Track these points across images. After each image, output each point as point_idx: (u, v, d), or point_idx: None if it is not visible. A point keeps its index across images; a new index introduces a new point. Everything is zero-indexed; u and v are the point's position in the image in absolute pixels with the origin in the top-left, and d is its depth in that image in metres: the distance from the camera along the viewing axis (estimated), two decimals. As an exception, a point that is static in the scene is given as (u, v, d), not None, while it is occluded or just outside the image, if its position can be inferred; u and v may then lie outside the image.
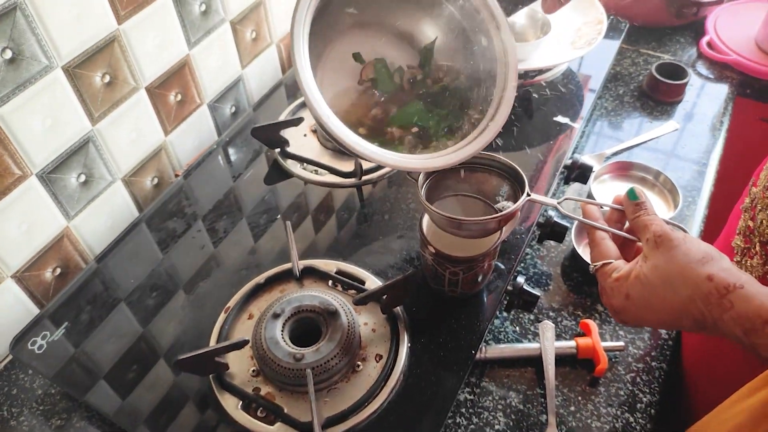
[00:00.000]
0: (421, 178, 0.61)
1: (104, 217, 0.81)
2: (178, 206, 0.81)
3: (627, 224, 0.55)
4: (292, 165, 0.84)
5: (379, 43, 0.60)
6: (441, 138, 0.62)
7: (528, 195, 0.58)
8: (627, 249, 0.55)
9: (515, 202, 0.61)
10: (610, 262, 0.52)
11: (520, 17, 0.94)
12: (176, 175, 0.89)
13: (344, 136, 0.52)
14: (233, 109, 0.99)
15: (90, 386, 0.64)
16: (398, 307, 0.66)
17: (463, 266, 0.61)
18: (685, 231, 0.53)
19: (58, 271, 0.77)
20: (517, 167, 0.61)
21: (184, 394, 0.62)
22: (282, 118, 0.92)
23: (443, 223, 0.59)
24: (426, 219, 0.64)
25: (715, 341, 0.70)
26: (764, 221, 0.59)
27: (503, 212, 0.57)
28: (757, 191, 0.61)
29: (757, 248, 0.59)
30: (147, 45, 0.78)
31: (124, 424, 0.61)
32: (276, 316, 0.63)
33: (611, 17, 1.08)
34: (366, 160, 0.54)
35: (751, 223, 0.61)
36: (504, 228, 0.65)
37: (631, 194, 0.53)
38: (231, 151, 0.90)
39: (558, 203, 0.57)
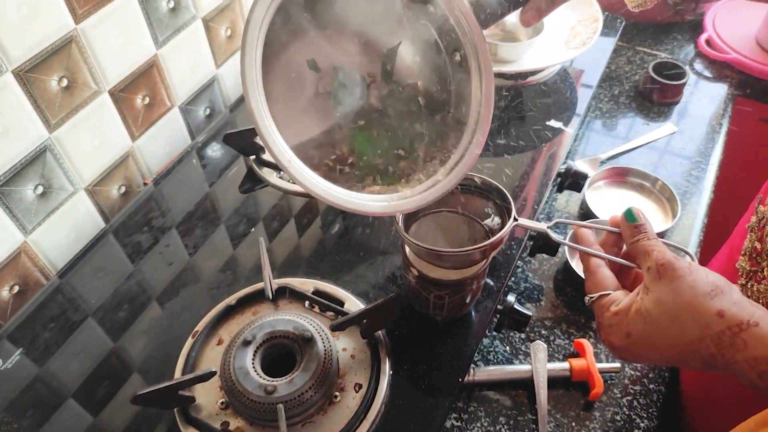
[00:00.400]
0: None
1: (66, 230, 0.76)
2: (146, 217, 0.76)
3: (624, 248, 0.51)
4: (268, 173, 0.79)
5: (338, 49, 0.53)
6: (420, 164, 0.55)
7: (515, 220, 0.53)
8: (625, 275, 0.51)
9: (502, 219, 0.57)
10: (608, 294, 0.47)
11: (511, 17, 0.89)
12: (145, 183, 0.84)
13: (308, 183, 0.45)
14: (208, 111, 0.94)
15: (44, 419, 0.59)
16: (380, 331, 0.62)
17: (449, 290, 0.57)
18: (691, 257, 0.48)
19: (16, 288, 0.72)
20: (503, 189, 0.56)
21: (146, 428, 0.57)
22: (259, 121, 0.87)
23: (423, 254, 0.54)
24: (410, 234, 0.59)
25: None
26: None
27: (488, 242, 0.52)
28: (766, 210, 0.57)
29: (765, 272, 0.55)
30: (109, 45, 0.72)
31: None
32: (246, 343, 0.58)
33: (606, 14, 1.03)
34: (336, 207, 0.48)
35: (758, 245, 0.57)
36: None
37: (629, 215, 0.48)
38: (205, 156, 0.85)
39: (548, 227, 0.53)
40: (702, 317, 0.40)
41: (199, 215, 0.77)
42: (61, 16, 0.65)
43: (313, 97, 0.52)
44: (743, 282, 0.59)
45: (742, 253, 0.59)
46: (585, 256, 0.50)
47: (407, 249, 0.58)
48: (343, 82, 0.53)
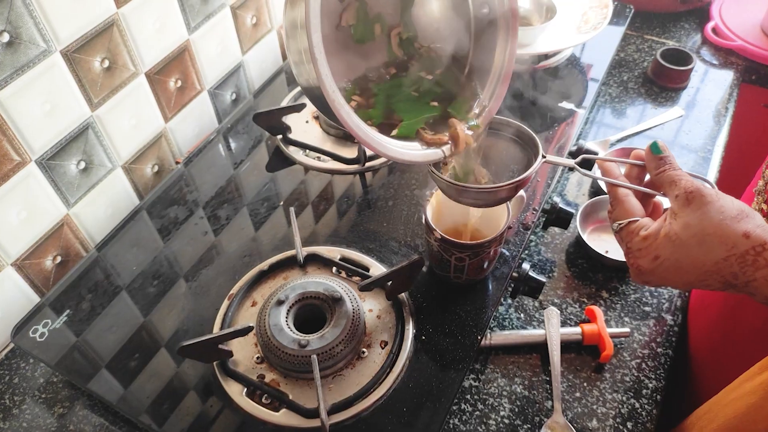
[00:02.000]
0: None
1: (104, 205, 0.80)
2: (180, 194, 0.80)
3: (646, 180, 0.53)
4: (294, 152, 0.83)
5: None
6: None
7: (543, 156, 0.55)
8: (644, 206, 0.53)
9: (527, 160, 0.59)
10: (636, 220, 0.49)
11: (525, 2, 0.93)
12: (177, 163, 0.88)
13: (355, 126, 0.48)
14: (234, 96, 0.98)
15: (92, 374, 0.63)
16: (403, 294, 0.66)
17: (470, 252, 0.61)
18: (713, 185, 0.50)
19: (59, 259, 0.76)
20: (530, 130, 0.59)
21: (188, 381, 0.62)
22: (283, 105, 0.91)
23: (452, 192, 0.56)
24: (430, 205, 0.63)
25: (722, 328, 0.70)
26: None
27: (517, 178, 0.54)
28: None
29: None
30: (146, 29, 0.76)
31: (128, 412, 0.61)
32: (280, 302, 0.62)
33: (616, 2, 1.06)
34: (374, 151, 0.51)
35: (765, 207, 0.60)
36: (511, 211, 0.64)
37: (654, 148, 0.49)
38: (232, 138, 0.89)
39: (575, 163, 0.55)
40: (729, 238, 0.43)
41: (228, 192, 0.81)
42: (105, 0, 0.70)
43: (336, 30, 0.54)
44: None
45: None
46: (612, 188, 0.52)
47: (429, 214, 0.62)
48: (366, 17, 0.55)
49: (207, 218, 0.78)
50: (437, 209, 0.66)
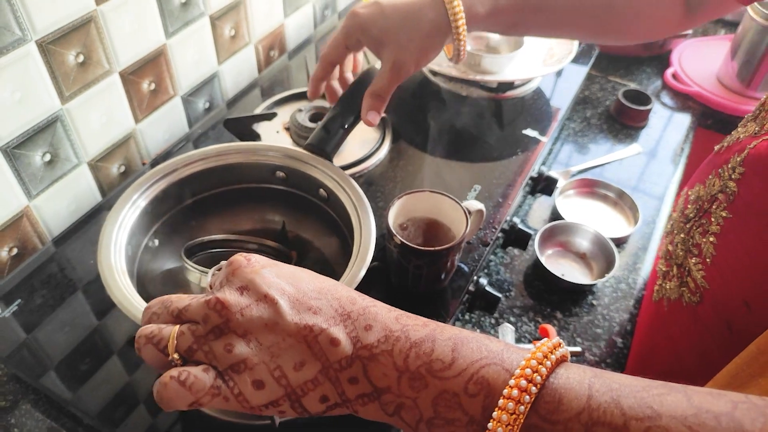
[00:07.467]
0: None
1: (67, 200, 0.80)
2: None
3: None
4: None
5: None
6: None
7: None
8: None
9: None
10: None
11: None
12: (143, 163, 0.88)
13: None
14: (207, 104, 0.99)
15: (43, 371, 0.62)
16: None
17: (427, 259, 0.62)
18: None
19: (15, 251, 0.75)
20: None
21: (143, 387, 0.61)
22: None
23: None
24: (393, 210, 0.65)
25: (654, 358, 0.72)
26: (679, 245, 0.61)
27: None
28: (675, 216, 0.64)
29: (674, 271, 0.61)
30: (124, 29, 0.77)
31: (78, 412, 0.59)
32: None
33: (582, 44, 1.12)
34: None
35: (670, 247, 0.63)
36: (470, 223, 0.65)
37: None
38: (201, 144, 0.90)
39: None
40: None
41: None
42: (85, -3, 0.71)
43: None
44: (660, 283, 0.65)
45: (661, 256, 0.65)
46: None
47: (392, 219, 0.64)
48: None
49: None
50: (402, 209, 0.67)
